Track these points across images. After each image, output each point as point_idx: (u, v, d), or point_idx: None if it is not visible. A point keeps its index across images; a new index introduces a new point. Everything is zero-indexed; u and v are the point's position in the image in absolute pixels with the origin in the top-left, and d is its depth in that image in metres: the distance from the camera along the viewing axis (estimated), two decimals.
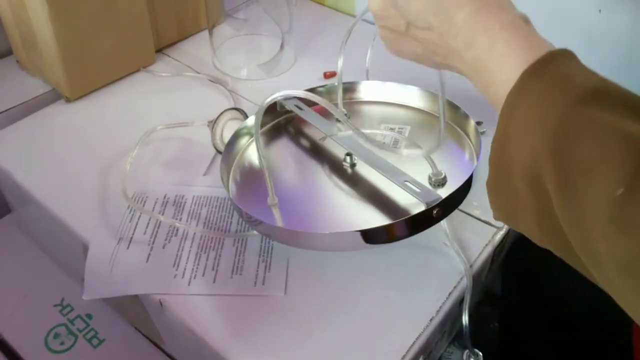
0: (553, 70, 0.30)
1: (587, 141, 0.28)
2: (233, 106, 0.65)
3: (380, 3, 0.38)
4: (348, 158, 0.56)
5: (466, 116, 0.56)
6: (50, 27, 0.63)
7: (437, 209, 0.46)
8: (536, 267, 0.61)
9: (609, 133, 0.27)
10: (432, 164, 0.53)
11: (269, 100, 0.44)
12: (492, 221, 0.56)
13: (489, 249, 0.55)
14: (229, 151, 0.58)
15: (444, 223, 0.53)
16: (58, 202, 0.59)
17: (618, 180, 0.27)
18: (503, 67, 0.32)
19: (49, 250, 0.69)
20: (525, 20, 0.33)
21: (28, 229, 0.72)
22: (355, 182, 0.55)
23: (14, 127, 0.68)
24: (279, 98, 0.44)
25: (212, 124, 0.62)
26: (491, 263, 0.57)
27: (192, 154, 0.64)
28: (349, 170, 0.56)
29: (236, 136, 0.59)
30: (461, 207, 0.54)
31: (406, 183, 0.49)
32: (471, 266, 0.53)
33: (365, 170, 0.55)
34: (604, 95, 0.29)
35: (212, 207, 0.58)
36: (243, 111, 0.64)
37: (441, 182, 0.52)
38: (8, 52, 0.78)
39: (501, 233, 0.56)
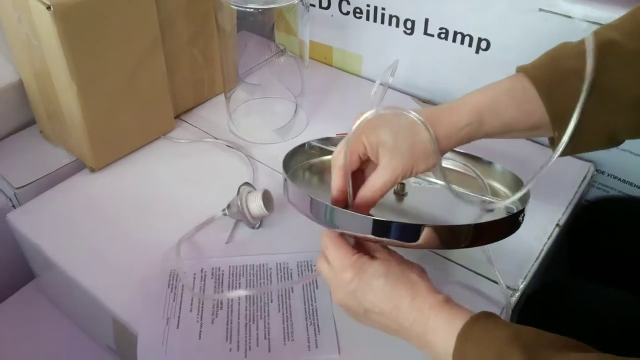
0: (480, 326, 0.43)
1: None
2: (246, 181, 0.68)
3: (343, 296, 0.49)
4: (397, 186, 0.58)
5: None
6: (77, 105, 0.66)
7: (522, 214, 0.50)
8: (550, 317, 0.63)
9: None
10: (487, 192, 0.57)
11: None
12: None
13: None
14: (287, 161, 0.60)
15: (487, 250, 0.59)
16: (86, 274, 0.61)
17: None
18: (438, 337, 0.45)
19: (75, 317, 0.71)
20: (448, 299, 0.46)
21: (53, 295, 0.73)
22: (404, 213, 0.58)
23: (40, 198, 0.70)
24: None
25: (237, 196, 0.64)
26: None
27: (212, 227, 0.66)
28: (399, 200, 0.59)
29: (293, 153, 0.61)
30: None
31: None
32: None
33: (415, 201, 0.58)
34: (517, 338, 0.40)
35: (250, 276, 0.60)
36: (252, 185, 0.67)
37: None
38: (31, 122, 0.80)
39: (517, 295, 0.58)
